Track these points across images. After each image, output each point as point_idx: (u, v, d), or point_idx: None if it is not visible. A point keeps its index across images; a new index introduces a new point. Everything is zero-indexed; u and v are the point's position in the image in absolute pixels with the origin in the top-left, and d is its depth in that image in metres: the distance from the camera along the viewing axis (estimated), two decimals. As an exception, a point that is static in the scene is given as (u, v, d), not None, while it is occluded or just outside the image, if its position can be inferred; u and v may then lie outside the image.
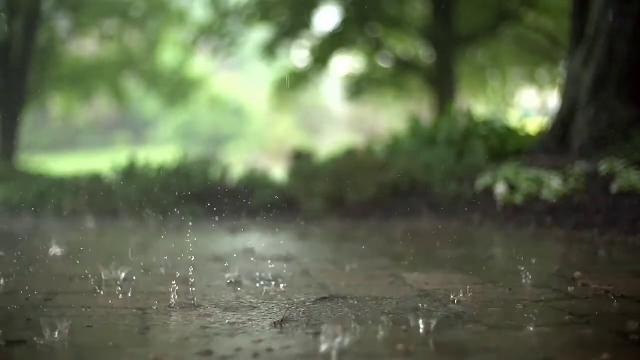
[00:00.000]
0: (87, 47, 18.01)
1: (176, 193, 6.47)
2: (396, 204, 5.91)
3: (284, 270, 3.01)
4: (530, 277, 2.64)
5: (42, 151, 24.86)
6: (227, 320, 1.97)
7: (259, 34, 16.46)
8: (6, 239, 4.00)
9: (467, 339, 1.72)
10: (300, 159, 10.09)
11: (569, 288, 2.39)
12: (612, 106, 5.83)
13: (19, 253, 3.58)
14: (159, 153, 9.01)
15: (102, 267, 2.99)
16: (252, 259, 3.48)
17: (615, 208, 4.43)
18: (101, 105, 21.04)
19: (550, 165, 5.48)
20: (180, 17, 17.06)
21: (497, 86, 18.19)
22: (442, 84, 14.58)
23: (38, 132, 27.15)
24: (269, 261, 3.39)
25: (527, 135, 7.10)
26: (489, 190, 5.46)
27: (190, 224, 5.62)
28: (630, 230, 4.00)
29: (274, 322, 1.92)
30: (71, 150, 29.69)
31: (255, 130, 35.75)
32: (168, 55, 18.35)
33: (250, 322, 1.94)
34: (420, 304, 2.16)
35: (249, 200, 6.47)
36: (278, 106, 18.17)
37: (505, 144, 6.75)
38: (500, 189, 5.28)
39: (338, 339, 1.68)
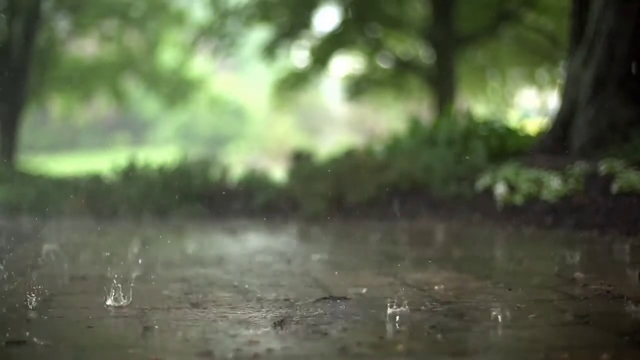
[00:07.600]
0: (87, 47, 18.01)
1: (176, 194, 6.47)
2: (396, 204, 5.91)
3: (284, 271, 3.01)
4: (530, 277, 2.64)
5: (42, 152, 24.87)
6: (227, 321, 1.97)
7: (259, 34, 16.45)
8: (6, 240, 4.00)
9: (467, 339, 1.72)
10: (300, 160, 10.09)
11: (569, 288, 2.39)
12: (612, 106, 5.83)
13: (18, 254, 3.58)
14: (159, 154, 9.01)
15: (102, 267, 2.99)
16: (252, 259, 3.48)
17: (615, 208, 4.42)
18: (101, 106, 21.03)
19: (550, 166, 5.48)
20: (180, 17, 17.05)
21: (497, 86, 18.18)
22: (442, 84, 14.57)
23: (38, 133, 27.16)
24: (269, 262, 3.39)
25: (527, 136, 7.09)
26: (489, 191, 5.45)
27: (190, 224, 5.63)
28: (631, 230, 4.00)
29: (275, 323, 1.92)
30: (71, 151, 29.70)
31: (255, 131, 35.78)
32: (168, 56, 18.34)
33: (250, 323, 1.94)
34: (420, 305, 2.16)
35: (249, 201, 6.47)
36: (278, 107, 18.16)
37: (505, 145, 6.74)
38: (500, 189, 5.28)
39: (338, 340, 1.68)
